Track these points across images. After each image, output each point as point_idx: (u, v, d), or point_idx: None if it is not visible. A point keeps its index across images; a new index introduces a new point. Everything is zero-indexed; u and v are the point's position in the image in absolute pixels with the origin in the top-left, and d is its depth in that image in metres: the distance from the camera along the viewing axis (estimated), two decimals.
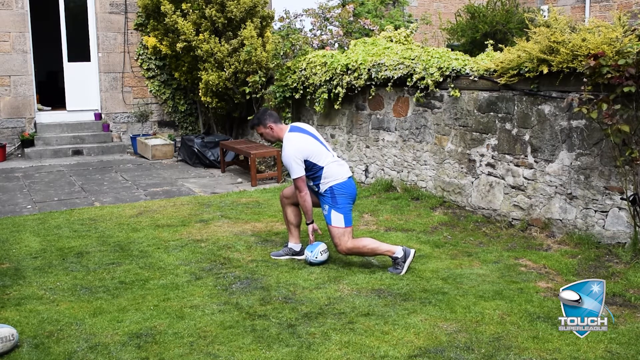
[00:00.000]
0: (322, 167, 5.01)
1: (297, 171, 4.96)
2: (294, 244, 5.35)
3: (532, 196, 5.94)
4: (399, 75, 7.11)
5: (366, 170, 8.11)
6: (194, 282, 4.80)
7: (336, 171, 5.04)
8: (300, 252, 5.31)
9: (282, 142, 5.15)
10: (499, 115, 6.21)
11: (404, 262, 4.91)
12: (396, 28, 9.67)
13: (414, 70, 6.97)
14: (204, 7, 9.54)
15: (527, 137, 5.94)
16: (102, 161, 10.52)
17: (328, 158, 5.07)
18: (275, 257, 5.32)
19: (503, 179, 6.22)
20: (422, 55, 7.07)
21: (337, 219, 4.98)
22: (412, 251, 4.96)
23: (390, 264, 5.04)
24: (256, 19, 9.60)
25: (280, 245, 5.62)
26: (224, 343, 3.76)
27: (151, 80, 11.58)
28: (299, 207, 5.31)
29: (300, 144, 5.02)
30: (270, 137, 5.24)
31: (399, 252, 4.93)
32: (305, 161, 4.98)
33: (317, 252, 5.12)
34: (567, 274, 4.85)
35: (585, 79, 5.06)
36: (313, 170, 5.02)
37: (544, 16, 7.58)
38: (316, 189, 5.12)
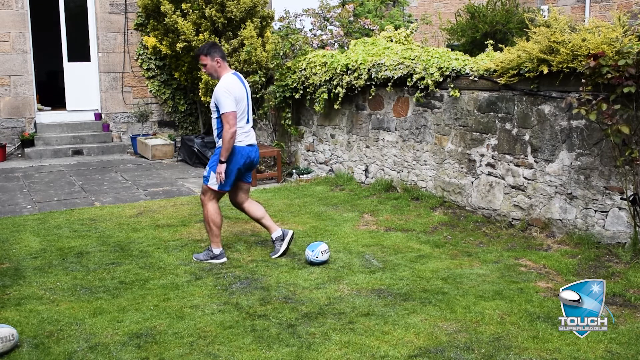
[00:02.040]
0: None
1: (230, 105, 5.01)
2: (275, 233, 5.39)
3: (532, 196, 5.94)
4: (399, 75, 7.11)
5: (366, 170, 8.11)
6: (194, 282, 4.80)
7: (240, 137, 5.15)
8: (284, 235, 5.38)
9: (217, 80, 5.22)
10: (499, 115, 6.21)
11: (211, 257, 5.24)
12: (396, 28, 9.67)
13: (414, 70, 6.97)
14: (204, 7, 9.54)
15: (527, 137, 5.94)
16: (102, 161, 10.52)
17: (243, 122, 5.16)
18: (276, 256, 5.32)
19: (503, 179, 6.22)
20: (422, 55, 7.07)
21: (213, 182, 5.18)
22: (222, 259, 5.25)
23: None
24: (256, 19, 9.59)
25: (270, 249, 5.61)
26: (224, 343, 3.76)
27: (151, 80, 11.58)
28: (253, 202, 5.50)
29: (236, 87, 5.11)
30: (212, 71, 5.20)
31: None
32: None
33: (318, 251, 5.12)
34: (567, 274, 4.85)
35: (585, 79, 5.06)
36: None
37: (544, 16, 7.57)
38: (217, 143, 5.20)
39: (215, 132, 5.21)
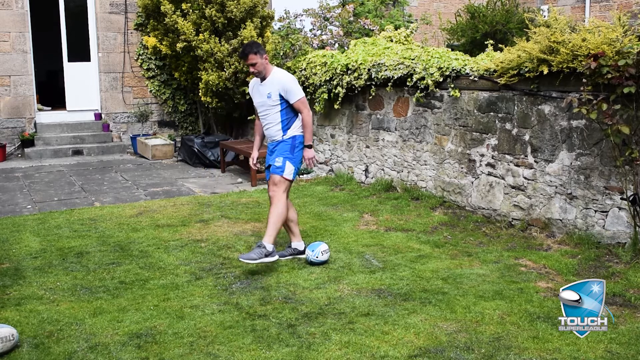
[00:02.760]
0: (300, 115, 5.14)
1: (302, 91, 5.10)
2: (297, 243, 5.34)
3: (532, 196, 5.94)
4: (399, 75, 7.12)
5: (366, 170, 8.11)
6: (194, 282, 4.80)
7: (301, 128, 5.17)
8: (304, 251, 5.30)
9: (263, 78, 5.12)
10: (499, 115, 6.21)
11: (266, 254, 4.88)
12: (396, 28, 9.68)
13: (414, 70, 6.97)
14: (204, 7, 9.54)
15: (527, 137, 5.94)
16: (102, 161, 10.52)
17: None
18: (279, 258, 5.30)
19: (503, 179, 6.23)
20: (422, 55, 7.07)
21: (289, 171, 5.09)
22: (275, 256, 4.96)
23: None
24: (256, 19, 9.60)
25: (280, 246, 5.62)
26: (224, 343, 3.76)
27: (151, 80, 11.58)
28: (291, 204, 5.39)
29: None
30: (260, 69, 5.09)
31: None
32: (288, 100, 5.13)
33: (318, 251, 5.12)
34: (567, 274, 4.85)
35: (585, 79, 5.06)
36: (292, 113, 5.10)
37: (544, 16, 7.58)
38: (279, 135, 5.11)
39: (279, 125, 5.08)
